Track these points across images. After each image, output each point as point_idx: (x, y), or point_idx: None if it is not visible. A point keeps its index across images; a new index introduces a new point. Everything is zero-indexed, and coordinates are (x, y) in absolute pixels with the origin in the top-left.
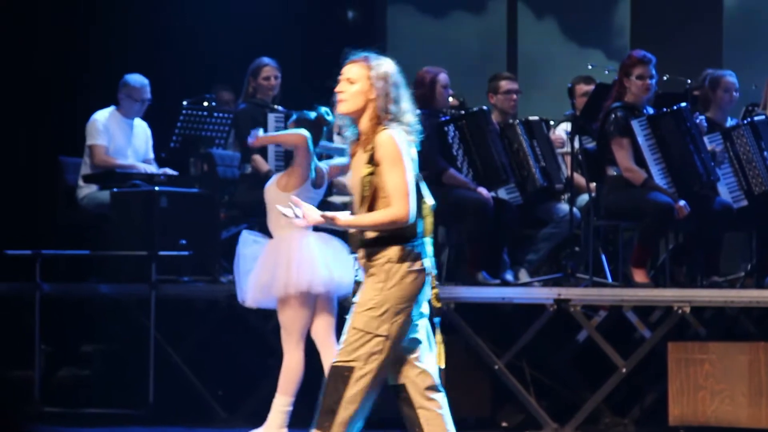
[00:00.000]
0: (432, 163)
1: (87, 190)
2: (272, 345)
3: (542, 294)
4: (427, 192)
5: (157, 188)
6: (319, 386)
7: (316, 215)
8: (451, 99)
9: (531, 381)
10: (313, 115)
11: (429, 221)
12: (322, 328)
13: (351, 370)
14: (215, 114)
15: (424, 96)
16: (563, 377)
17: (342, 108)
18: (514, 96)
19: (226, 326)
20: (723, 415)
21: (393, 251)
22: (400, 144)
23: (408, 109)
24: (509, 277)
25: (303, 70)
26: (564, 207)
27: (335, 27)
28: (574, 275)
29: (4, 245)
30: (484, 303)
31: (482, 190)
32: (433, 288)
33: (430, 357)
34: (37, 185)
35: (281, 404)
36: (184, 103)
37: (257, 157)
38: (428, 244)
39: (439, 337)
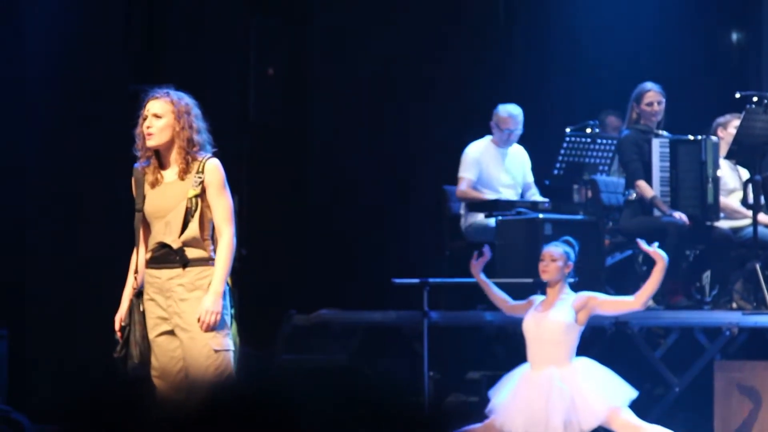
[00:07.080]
0: None
1: (471, 219)
2: (658, 372)
3: None
4: None
5: (541, 216)
6: None
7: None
8: None
9: None
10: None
11: None
12: None
13: None
14: (598, 140)
15: None
16: None
17: (150, 141)
18: None
19: (612, 351)
20: None
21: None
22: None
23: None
24: None
25: (688, 94)
26: None
27: (719, 50)
28: None
29: (393, 274)
30: None
31: None
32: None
33: None
34: (423, 214)
35: None
36: (568, 130)
37: (642, 183)
38: None
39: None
